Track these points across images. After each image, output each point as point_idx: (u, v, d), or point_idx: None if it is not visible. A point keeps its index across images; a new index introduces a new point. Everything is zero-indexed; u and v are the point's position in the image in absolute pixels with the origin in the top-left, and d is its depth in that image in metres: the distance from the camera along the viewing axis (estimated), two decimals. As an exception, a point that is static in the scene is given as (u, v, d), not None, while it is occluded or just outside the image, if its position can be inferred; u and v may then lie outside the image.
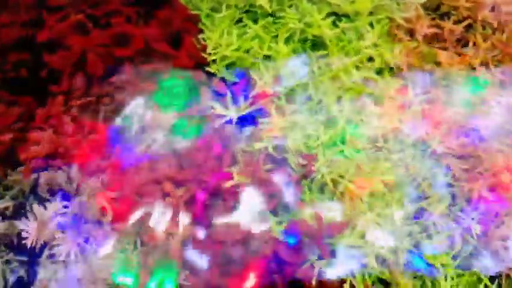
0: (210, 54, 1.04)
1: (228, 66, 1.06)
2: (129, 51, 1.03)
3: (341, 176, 0.98)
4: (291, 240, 0.94)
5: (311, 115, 1.02)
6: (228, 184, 0.95)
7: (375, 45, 1.06)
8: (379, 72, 1.07)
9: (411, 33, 1.09)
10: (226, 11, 1.08)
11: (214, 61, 1.06)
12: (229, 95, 1.00)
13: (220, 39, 1.05)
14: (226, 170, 0.96)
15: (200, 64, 1.05)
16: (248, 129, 1.00)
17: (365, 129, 1.02)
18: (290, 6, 1.10)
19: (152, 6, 1.11)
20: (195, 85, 1.04)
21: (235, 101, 1.01)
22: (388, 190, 0.99)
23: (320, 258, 0.94)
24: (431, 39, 1.09)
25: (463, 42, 1.10)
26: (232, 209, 0.95)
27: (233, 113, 0.99)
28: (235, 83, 1.03)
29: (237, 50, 1.05)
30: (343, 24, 1.07)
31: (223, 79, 1.04)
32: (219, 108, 1.00)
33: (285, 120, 1.00)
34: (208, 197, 0.95)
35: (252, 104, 1.01)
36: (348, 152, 1.00)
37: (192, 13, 1.11)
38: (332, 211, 0.97)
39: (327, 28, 1.06)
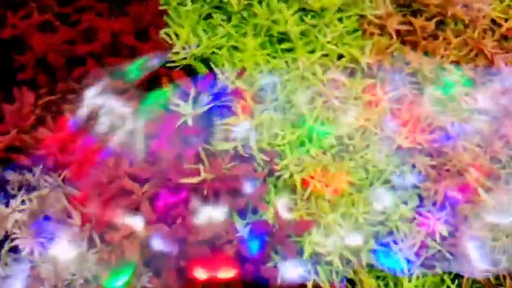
0: (177, 53, 1.03)
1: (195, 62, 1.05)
2: (95, 46, 1.02)
3: (308, 175, 0.98)
4: (256, 240, 0.94)
5: (278, 114, 1.00)
6: (194, 180, 0.94)
7: (344, 43, 1.05)
8: (349, 70, 1.06)
9: (382, 30, 1.08)
10: (193, 5, 1.07)
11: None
12: (192, 91, 0.98)
13: (188, 36, 1.04)
14: (192, 168, 0.95)
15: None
16: (213, 127, 0.99)
17: (332, 128, 1.01)
18: (260, 2, 1.09)
19: (124, 1, 1.10)
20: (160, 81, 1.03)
21: (198, 97, 1.00)
22: (354, 190, 0.98)
23: (284, 257, 0.93)
24: (402, 36, 1.08)
25: (434, 38, 1.09)
26: (196, 207, 0.94)
27: (195, 110, 0.98)
28: (200, 79, 1.02)
29: (206, 47, 1.04)
30: (310, 20, 1.06)
31: (188, 75, 1.03)
32: (181, 105, 0.98)
33: (251, 118, 0.99)
34: (171, 195, 0.94)
35: (215, 100, 1.00)
36: (315, 151, 0.99)
37: (161, 7, 1.09)
38: (297, 210, 0.97)
39: (294, 25, 1.05)
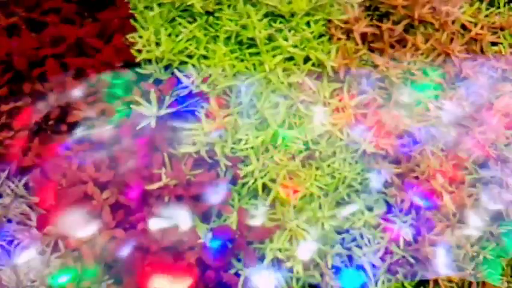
0: (139, 51, 1.02)
1: (164, 66, 1.04)
2: (60, 48, 1.02)
3: (272, 181, 0.97)
4: (218, 246, 0.93)
5: (243, 118, 1.00)
6: (154, 186, 0.93)
7: (310, 47, 1.04)
8: (316, 75, 1.05)
9: (349, 35, 1.07)
10: (159, 9, 1.06)
11: (149, 61, 1.04)
12: (153, 94, 0.98)
13: (151, 38, 1.03)
14: (154, 172, 0.94)
15: (131, 63, 1.03)
16: (177, 131, 0.98)
17: (298, 133, 1.00)
18: (229, 6, 1.09)
19: (95, 6, 1.10)
20: (128, 84, 1.02)
21: (162, 100, 0.99)
22: (319, 195, 0.97)
23: (246, 264, 0.92)
24: (370, 40, 1.07)
25: (403, 43, 1.08)
26: (158, 213, 0.94)
27: (156, 113, 0.97)
28: (163, 83, 1.01)
29: (171, 50, 1.03)
30: (277, 25, 1.06)
31: (156, 79, 1.03)
32: (142, 107, 0.97)
33: (215, 122, 0.98)
34: (133, 200, 0.94)
35: (180, 104, 0.99)
36: (280, 156, 0.98)
37: (130, 11, 1.09)
38: (261, 216, 0.96)
39: (262, 29, 1.04)
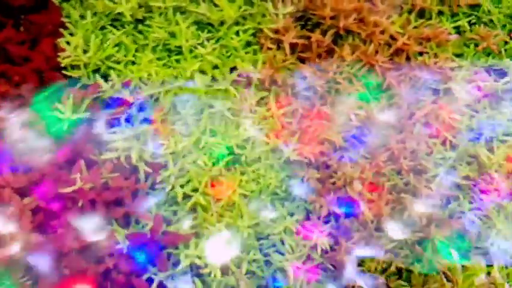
0: (64, 58, 1.03)
1: (92, 72, 1.05)
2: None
3: (194, 187, 0.97)
4: (133, 251, 0.93)
5: (165, 124, 1.01)
6: (69, 189, 0.93)
7: (237, 56, 1.06)
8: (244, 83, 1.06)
9: (279, 44, 1.08)
10: (91, 18, 1.07)
11: (77, 66, 1.05)
12: (70, 99, 0.98)
13: (79, 44, 1.04)
14: (70, 177, 0.94)
15: (59, 68, 1.04)
16: (97, 136, 0.99)
17: (222, 139, 1.01)
18: (160, 14, 1.10)
19: (27, 11, 1.11)
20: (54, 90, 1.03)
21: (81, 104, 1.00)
22: (242, 202, 0.98)
23: (160, 269, 0.92)
24: (299, 50, 1.08)
25: (331, 53, 1.09)
26: (74, 217, 0.94)
27: (70, 117, 0.98)
28: (87, 88, 1.02)
29: (98, 56, 1.04)
30: (205, 34, 1.07)
31: (84, 85, 1.03)
32: (60, 110, 0.98)
33: (135, 128, 0.99)
34: (50, 204, 0.94)
35: (102, 109, 1.00)
36: (203, 162, 0.99)
37: (63, 19, 1.10)
38: (180, 222, 0.96)
39: (189, 37, 1.06)
